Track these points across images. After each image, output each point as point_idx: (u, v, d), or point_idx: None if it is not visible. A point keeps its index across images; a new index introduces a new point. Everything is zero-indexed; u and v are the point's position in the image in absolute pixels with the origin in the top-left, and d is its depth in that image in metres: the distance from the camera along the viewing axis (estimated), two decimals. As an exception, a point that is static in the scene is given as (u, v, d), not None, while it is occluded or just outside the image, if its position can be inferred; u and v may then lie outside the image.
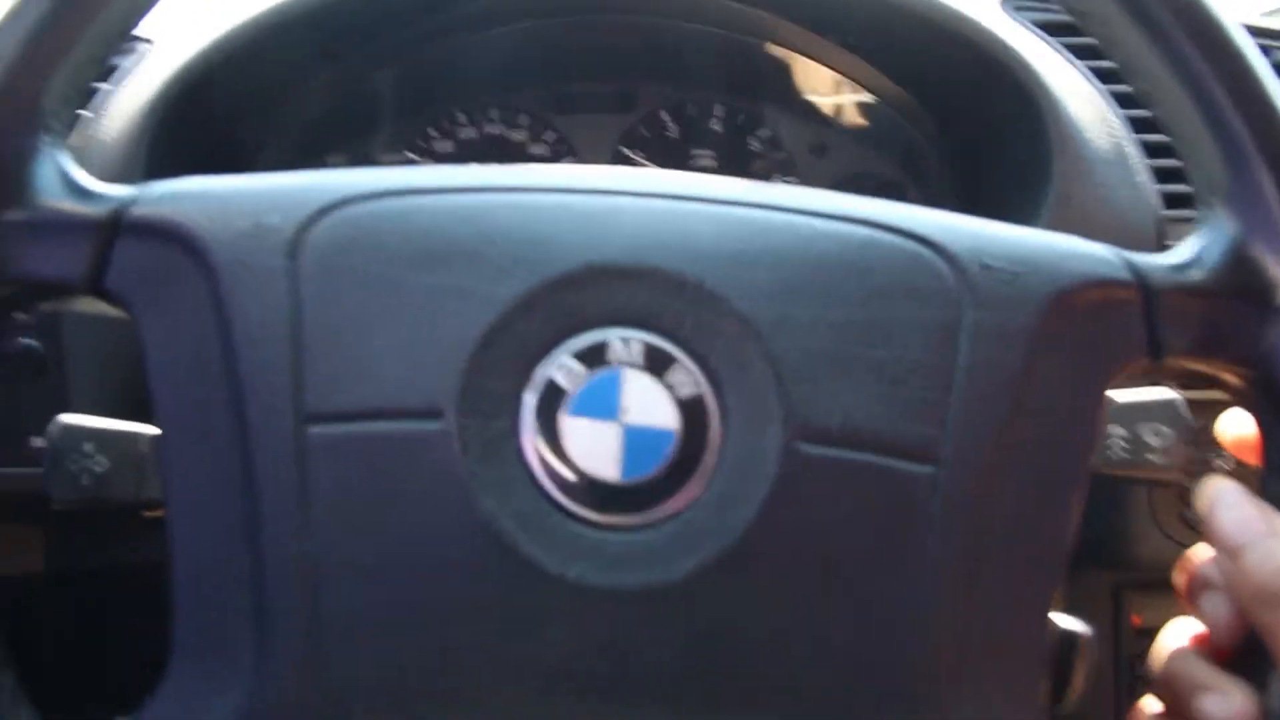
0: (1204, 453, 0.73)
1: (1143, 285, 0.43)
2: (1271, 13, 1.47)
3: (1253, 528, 0.43)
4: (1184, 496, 0.75)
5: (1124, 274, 0.43)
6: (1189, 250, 0.45)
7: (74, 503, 0.43)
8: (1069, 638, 0.44)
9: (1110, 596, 0.83)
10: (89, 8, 0.42)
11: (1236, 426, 0.50)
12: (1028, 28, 0.78)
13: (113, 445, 0.44)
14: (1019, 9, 0.80)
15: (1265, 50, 0.79)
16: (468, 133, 0.91)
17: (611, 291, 0.40)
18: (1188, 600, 0.47)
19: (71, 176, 0.43)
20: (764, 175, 0.91)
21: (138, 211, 0.42)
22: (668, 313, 0.40)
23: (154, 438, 0.42)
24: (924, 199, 0.91)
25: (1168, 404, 0.47)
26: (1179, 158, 0.46)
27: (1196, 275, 0.44)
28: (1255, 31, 0.81)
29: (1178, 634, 0.48)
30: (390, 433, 0.38)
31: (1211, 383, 0.46)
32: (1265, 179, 0.43)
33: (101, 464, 0.43)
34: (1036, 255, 0.42)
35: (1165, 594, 0.49)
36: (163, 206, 0.42)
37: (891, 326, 0.40)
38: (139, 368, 0.41)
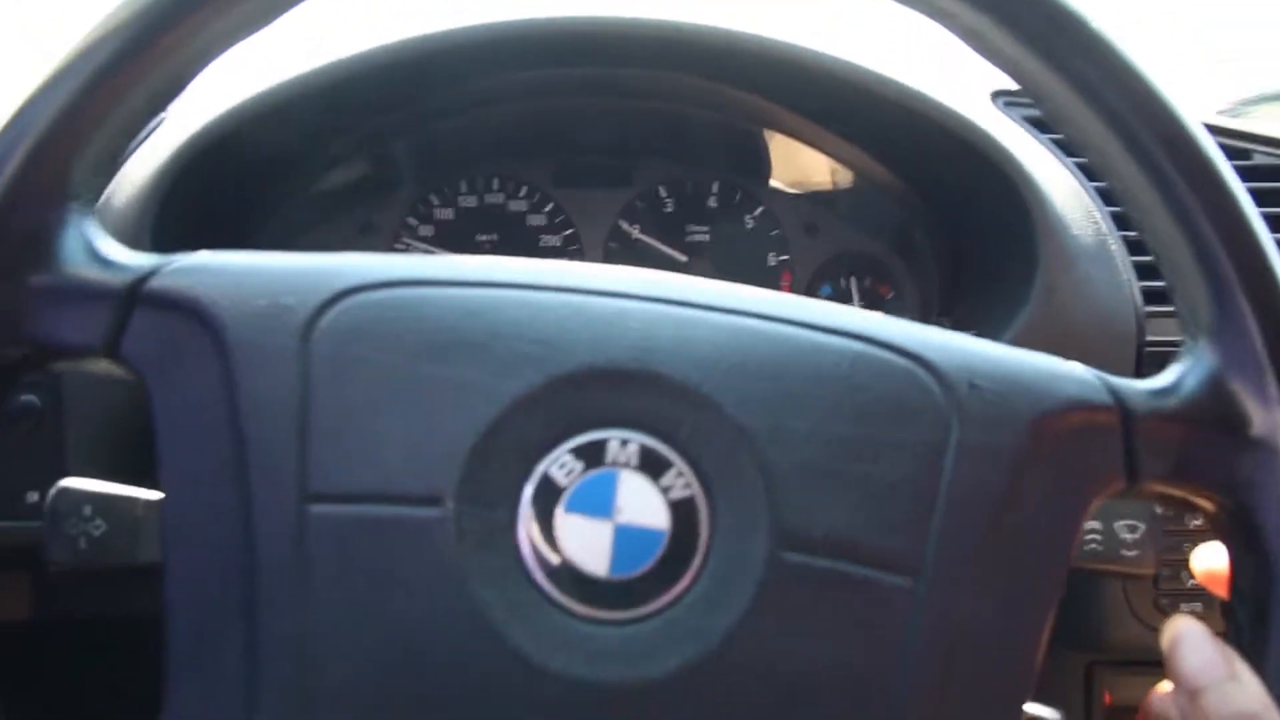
0: (1177, 540, 0.74)
1: (1123, 410, 0.44)
2: (1226, 111, 1.50)
3: (1213, 670, 0.44)
4: (1157, 583, 0.76)
5: (1105, 398, 0.44)
6: (1170, 377, 0.46)
7: (72, 565, 0.45)
8: None
9: (1083, 675, 0.84)
10: (125, 81, 0.43)
11: (1207, 560, 0.51)
12: (1017, 123, 0.81)
13: (111, 509, 0.45)
14: (1009, 104, 0.82)
15: (1241, 152, 0.82)
16: (468, 201, 0.93)
17: (613, 393, 0.41)
18: None
19: (96, 245, 0.44)
20: (758, 253, 0.93)
21: (157, 283, 0.43)
22: (666, 417, 0.41)
23: (152, 502, 0.43)
24: (913, 280, 0.93)
25: (1141, 501, 0.48)
26: (1166, 283, 0.47)
27: (1175, 403, 0.45)
28: (1221, 132, 0.84)
29: None
30: (390, 517, 0.39)
31: (1185, 506, 0.47)
32: (1249, 317, 0.44)
33: (99, 527, 0.44)
34: (1023, 377, 0.44)
35: (1137, 673, 0.51)
36: (182, 279, 0.43)
37: (880, 442, 0.41)
38: (136, 428, 0.42)
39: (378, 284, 0.42)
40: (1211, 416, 0.45)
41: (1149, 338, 0.75)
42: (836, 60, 0.78)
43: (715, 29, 0.78)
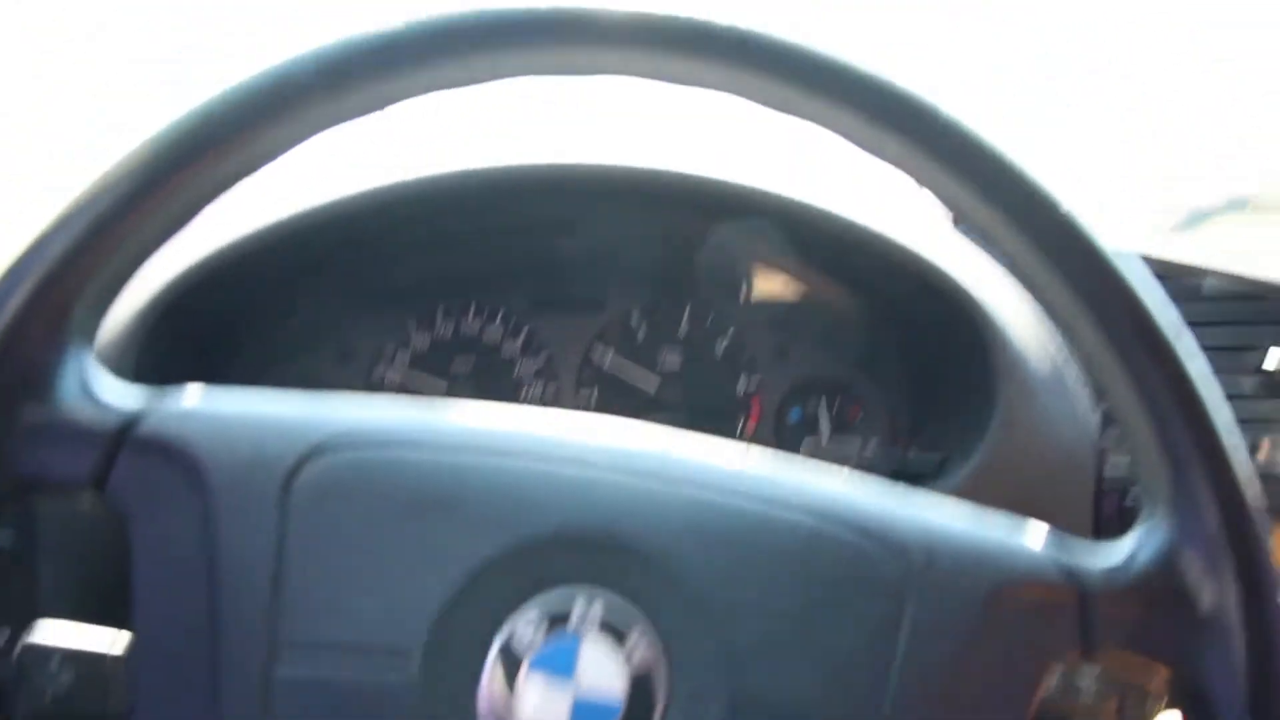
0: (1132, 692, 0.76)
1: (1078, 586, 0.45)
2: (1197, 214, 1.55)
3: None
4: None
5: (1060, 574, 0.45)
6: (1125, 549, 0.47)
7: (39, 718, 0.45)
8: None
9: None
10: (128, 226, 0.44)
11: None
12: (979, 247, 0.83)
13: (79, 662, 0.45)
14: (971, 230, 0.85)
15: (1192, 288, 0.85)
16: (445, 328, 0.95)
17: (580, 559, 0.43)
18: None
19: (90, 383, 0.45)
20: (729, 377, 0.95)
21: (145, 427, 0.44)
22: (630, 586, 0.42)
23: (119, 657, 0.44)
24: (882, 403, 0.95)
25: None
26: (1128, 454, 0.49)
27: (1129, 577, 0.46)
28: (1173, 268, 0.87)
29: None
30: (356, 670, 0.41)
31: (1141, 677, 0.48)
32: (1205, 497, 0.46)
33: (67, 681, 0.45)
34: (979, 550, 0.45)
35: None
36: (170, 424, 0.44)
37: (836, 617, 0.43)
38: (111, 568, 0.43)
39: (360, 440, 0.44)
40: (1165, 591, 0.46)
41: (1108, 463, 0.77)
42: (802, 204, 0.81)
43: (685, 175, 0.81)
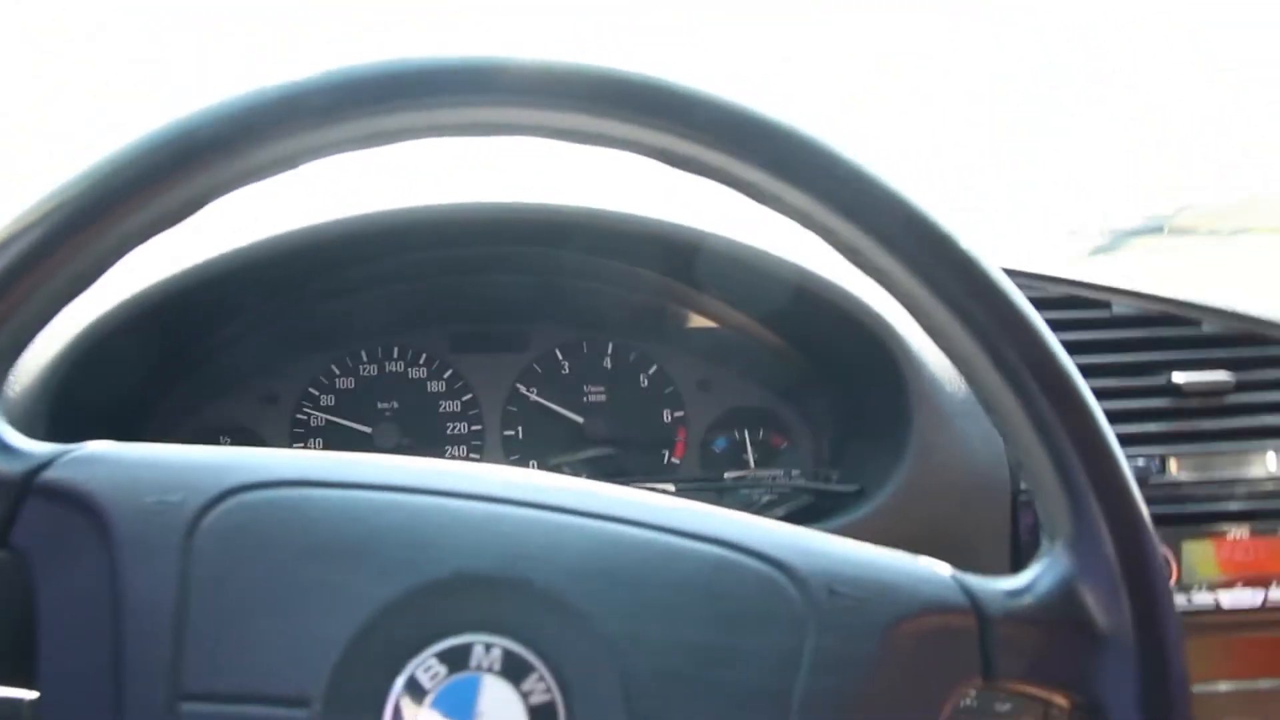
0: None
1: (979, 612, 0.46)
2: (1118, 235, 1.58)
3: None
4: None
5: (961, 601, 0.46)
6: (1026, 578, 0.48)
7: None
8: None
9: None
10: (34, 280, 0.44)
11: None
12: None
13: None
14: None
15: (1101, 303, 0.87)
16: (369, 370, 0.95)
17: (479, 599, 0.43)
18: None
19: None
20: (653, 410, 0.96)
21: (50, 475, 0.43)
22: (530, 624, 0.42)
23: (35, 701, 0.43)
24: (805, 431, 0.96)
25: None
26: (1028, 488, 0.50)
27: (1029, 604, 0.47)
28: (1083, 285, 0.89)
29: None
30: (258, 718, 0.40)
31: (1043, 703, 0.49)
32: (1103, 530, 0.47)
33: None
34: (881, 581, 0.45)
35: None
36: (75, 471, 0.43)
37: (739, 650, 0.43)
38: (23, 623, 0.42)
39: (262, 484, 0.44)
40: (1064, 619, 0.47)
41: (1023, 486, 0.79)
42: (714, 237, 0.82)
43: (600, 212, 0.82)
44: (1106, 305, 0.89)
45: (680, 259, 0.86)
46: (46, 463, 0.44)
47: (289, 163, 0.46)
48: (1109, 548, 0.47)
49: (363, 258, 0.85)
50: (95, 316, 0.76)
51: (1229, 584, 0.83)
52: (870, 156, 0.48)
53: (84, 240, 0.45)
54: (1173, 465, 0.83)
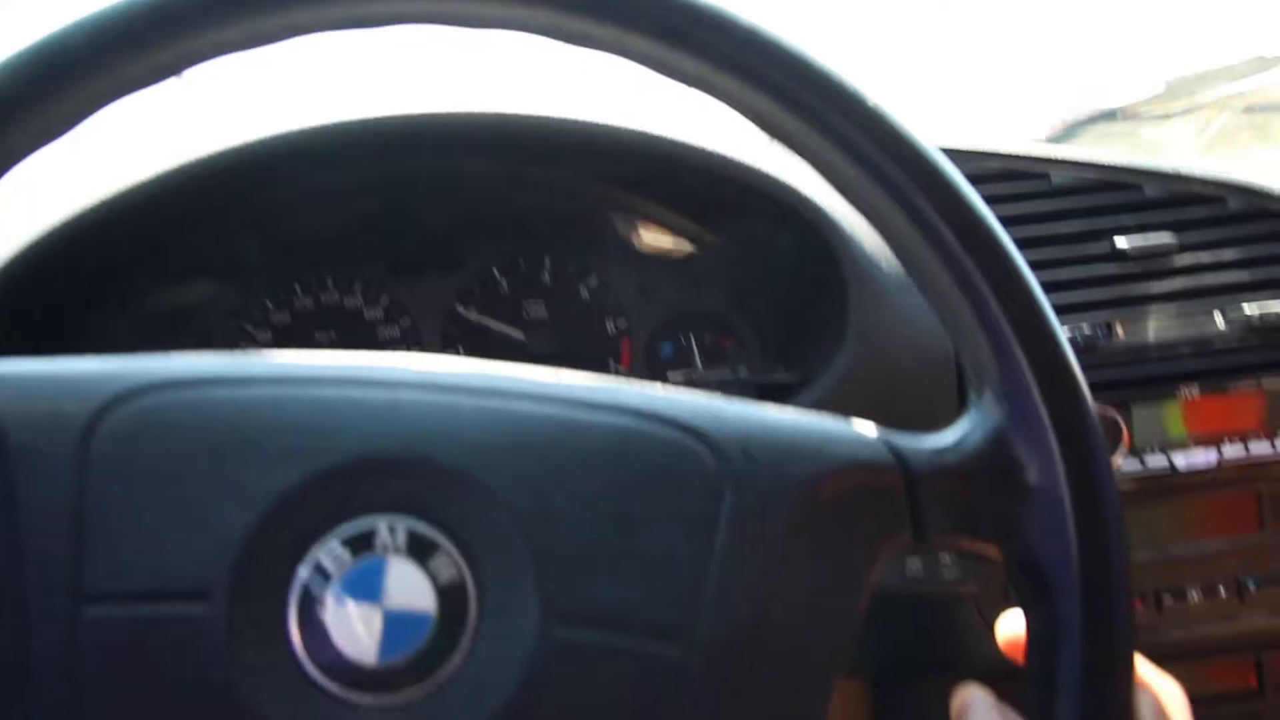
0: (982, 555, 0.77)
1: (904, 469, 0.45)
2: (1074, 124, 1.57)
3: None
4: (1009, 595, 0.78)
5: (886, 457, 0.45)
6: (955, 434, 0.47)
7: None
8: None
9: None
10: None
11: (1008, 631, 0.52)
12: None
13: None
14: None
15: (1039, 174, 0.86)
16: (304, 302, 0.93)
17: (380, 481, 0.41)
18: None
19: None
20: (596, 321, 0.95)
21: None
22: (434, 503, 0.41)
23: None
24: (752, 331, 0.95)
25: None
26: (953, 341, 0.49)
27: (958, 458, 0.46)
28: (1020, 159, 0.88)
29: None
30: (160, 615, 0.39)
31: (977, 558, 0.48)
32: (1027, 373, 0.46)
33: None
34: (799, 441, 0.44)
35: (1005, 691, 0.51)
36: None
37: (651, 515, 0.42)
38: None
39: (157, 385, 0.43)
40: (993, 469, 0.46)
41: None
42: (640, 132, 0.80)
43: (524, 116, 0.80)
44: (1045, 176, 0.88)
45: (612, 161, 0.84)
46: None
47: (170, 69, 0.44)
48: (1034, 392, 0.46)
49: (288, 176, 0.83)
50: (9, 252, 0.73)
51: (1182, 445, 0.82)
52: (767, 21, 0.47)
53: None
54: (1119, 330, 0.82)
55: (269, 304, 0.93)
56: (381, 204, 0.91)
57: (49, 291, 0.77)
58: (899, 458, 0.45)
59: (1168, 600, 0.83)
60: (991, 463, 0.46)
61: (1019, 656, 0.50)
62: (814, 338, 0.85)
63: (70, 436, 0.41)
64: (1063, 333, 0.47)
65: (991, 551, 0.47)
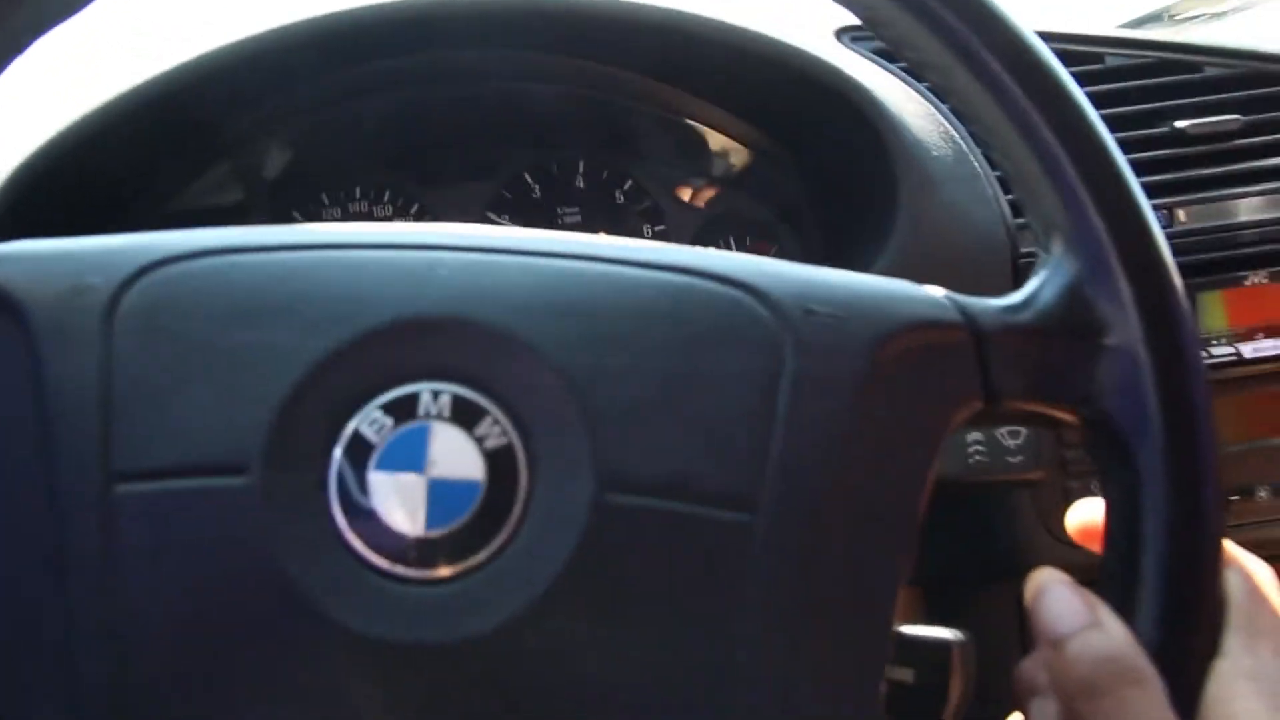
0: (1079, 452, 0.73)
1: (973, 328, 0.42)
2: (1125, 25, 1.52)
3: (1075, 617, 0.42)
4: (1069, 498, 0.75)
5: (954, 316, 0.43)
6: (1025, 292, 0.45)
7: None
8: (940, 648, 0.43)
9: (1015, 606, 0.82)
10: None
11: (1080, 516, 0.50)
12: (865, 56, 0.80)
13: None
14: (855, 39, 0.82)
15: (1093, 57, 0.82)
16: (332, 213, 0.91)
17: (422, 345, 0.39)
18: (1018, 707, 0.46)
19: None
20: (632, 226, 0.92)
21: None
22: (478, 365, 0.39)
23: None
24: (795, 236, 0.92)
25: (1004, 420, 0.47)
26: (1017, 198, 0.47)
27: (1029, 316, 0.44)
28: (1072, 39, 0.84)
29: None
30: (195, 489, 0.38)
31: (1051, 424, 0.46)
32: (1098, 222, 0.43)
33: None
34: (862, 300, 0.42)
35: None
36: None
37: (709, 375, 0.39)
38: None
39: (181, 255, 0.41)
40: (1067, 327, 0.44)
41: (1023, 250, 0.74)
42: (676, 13, 0.77)
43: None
44: (1099, 59, 0.84)
45: (649, 47, 0.81)
46: None
47: None
48: (1107, 242, 0.43)
49: (308, 72, 0.80)
50: (25, 157, 0.71)
51: (1249, 335, 0.78)
52: None
53: None
54: (1181, 215, 0.78)
55: (296, 214, 0.90)
56: (408, 105, 0.88)
57: (65, 195, 0.75)
58: (967, 316, 0.43)
59: (1235, 500, 0.80)
60: (1065, 319, 0.44)
61: (1093, 543, 0.47)
62: (859, 232, 0.81)
63: (95, 311, 0.39)
64: (1134, 179, 0.44)
65: (1067, 416, 0.45)
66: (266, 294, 0.40)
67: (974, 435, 0.49)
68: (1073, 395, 0.44)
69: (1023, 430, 0.50)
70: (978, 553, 0.86)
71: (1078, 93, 0.45)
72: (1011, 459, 0.50)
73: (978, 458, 0.50)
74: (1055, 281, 0.44)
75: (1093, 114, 0.45)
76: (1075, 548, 0.51)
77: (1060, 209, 0.44)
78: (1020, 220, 0.75)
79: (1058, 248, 0.45)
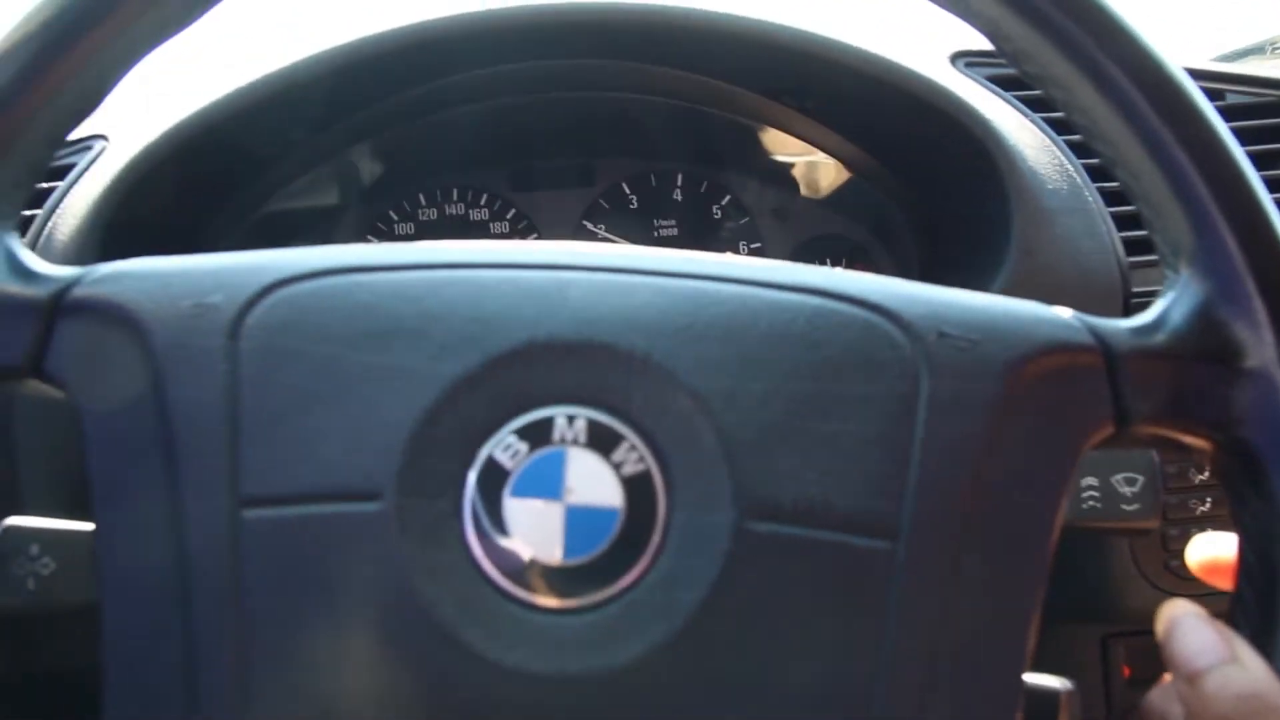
0: (1183, 497, 0.72)
1: (1106, 350, 0.42)
2: (1224, 57, 1.49)
3: (1212, 652, 0.41)
4: (1166, 544, 0.74)
5: (1086, 338, 0.42)
6: (1154, 312, 0.44)
7: (19, 607, 0.42)
8: (1048, 697, 0.42)
9: (1099, 648, 0.81)
10: (42, 91, 0.42)
11: (1204, 551, 0.48)
12: (980, 83, 0.78)
13: (60, 546, 0.42)
14: (970, 65, 0.80)
15: (1214, 93, 0.80)
16: (428, 214, 0.91)
17: (556, 368, 0.39)
18: None
19: (18, 258, 0.42)
20: (728, 242, 0.91)
21: (79, 292, 0.41)
22: (613, 389, 0.39)
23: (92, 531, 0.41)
24: (891, 260, 0.91)
25: (1139, 452, 0.46)
26: (1143, 220, 0.46)
27: (1161, 338, 0.43)
28: (1193, 74, 0.82)
29: None
30: (327, 515, 0.37)
31: (1182, 450, 0.45)
32: (1230, 241, 0.42)
33: (48, 566, 0.42)
34: (995, 322, 0.41)
35: (1155, 643, 0.48)
36: (104, 287, 0.41)
37: (845, 399, 0.39)
38: (70, 456, 0.40)
39: (306, 275, 0.40)
40: (1201, 349, 0.43)
41: (1135, 289, 0.73)
42: (791, 31, 0.76)
43: (660, 7, 0.76)
44: (1220, 95, 0.82)
45: (762, 63, 0.80)
46: (73, 282, 0.41)
47: None
48: (1240, 261, 0.42)
49: (415, 77, 0.80)
50: (134, 154, 0.72)
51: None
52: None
53: (88, 47, 0.42)
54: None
55: (393, 215, 0.90)
56: (510, 113, 0.88)
57: (167, 194, 0.75)
58: (1099, 338, 0.42)
59: None
60: (1198, 342, 0.43)
61: (1219, 578, 0.46)
62: (964, 261, 0.80)
63: (219, 330, 0.39)
64: (1268, 197, 0.43)
65: (1200, 441, 0.44)
66: (392, 314, 0.39)
67: (1088, 480, 0.48)
68: (1207, 420, 0.43)
69: (1140, 477, 0.48)
70: (1065, 593, 0.85)
71: (1209, 108, 0.44)
72: (1127, 506, 0.48)
73: (1091, 503, 0.48)
74: (1185, 303, 0.43)
75: (1224, 131, 0.44)
76: (1167, 594, 0.50)
77: (1189, 228, 0.43)
78: (1133, 259, 0.73)
79: (1186, 268, 0.44)
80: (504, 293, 0.40)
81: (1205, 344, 0.43)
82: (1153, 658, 0.49)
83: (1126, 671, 0.82)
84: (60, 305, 0.41)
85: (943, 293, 0.42)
